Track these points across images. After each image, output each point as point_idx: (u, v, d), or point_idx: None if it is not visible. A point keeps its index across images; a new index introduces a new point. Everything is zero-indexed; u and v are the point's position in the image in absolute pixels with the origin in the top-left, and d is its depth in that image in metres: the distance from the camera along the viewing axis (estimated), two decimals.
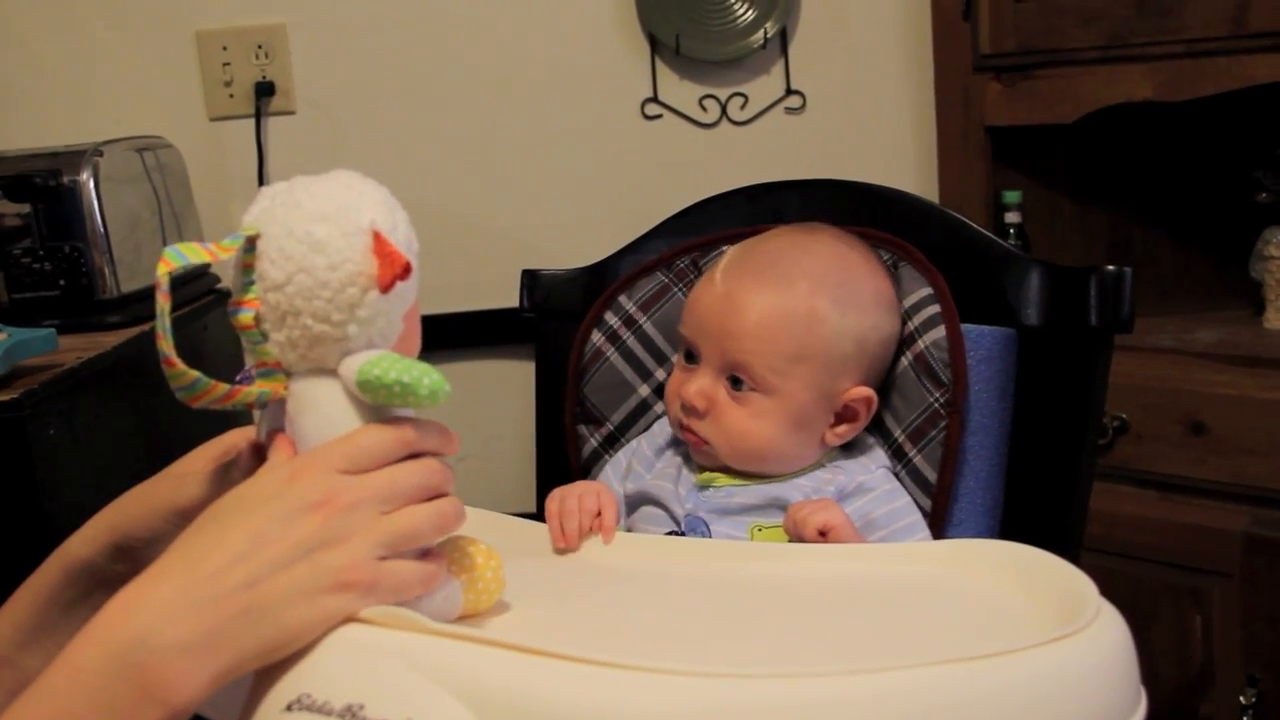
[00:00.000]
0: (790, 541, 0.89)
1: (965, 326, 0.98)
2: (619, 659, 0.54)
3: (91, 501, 0.73)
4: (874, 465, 0.96)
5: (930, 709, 0.54)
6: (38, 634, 0.70)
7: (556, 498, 0.89)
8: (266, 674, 0.57)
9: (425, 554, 0.62)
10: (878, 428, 0.99)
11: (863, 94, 1.79)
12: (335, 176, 0.63)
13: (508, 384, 1.80)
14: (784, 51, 1.77)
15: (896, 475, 0.97)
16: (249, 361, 0.65)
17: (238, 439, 0.70)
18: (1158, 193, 1.74)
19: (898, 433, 0.98)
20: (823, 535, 0.86)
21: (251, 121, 1.75)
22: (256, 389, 0.64)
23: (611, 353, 1.09)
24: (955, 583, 0.72)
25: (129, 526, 0.70)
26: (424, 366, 0.60)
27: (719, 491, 0.94)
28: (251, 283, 0.62)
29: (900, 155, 1.80)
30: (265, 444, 0.65)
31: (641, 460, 1.00)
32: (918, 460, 0.97)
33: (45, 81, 1.74)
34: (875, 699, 0.53)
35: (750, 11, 1.74)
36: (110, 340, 1.32)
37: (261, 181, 1.75)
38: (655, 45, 1.76)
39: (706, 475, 0.95)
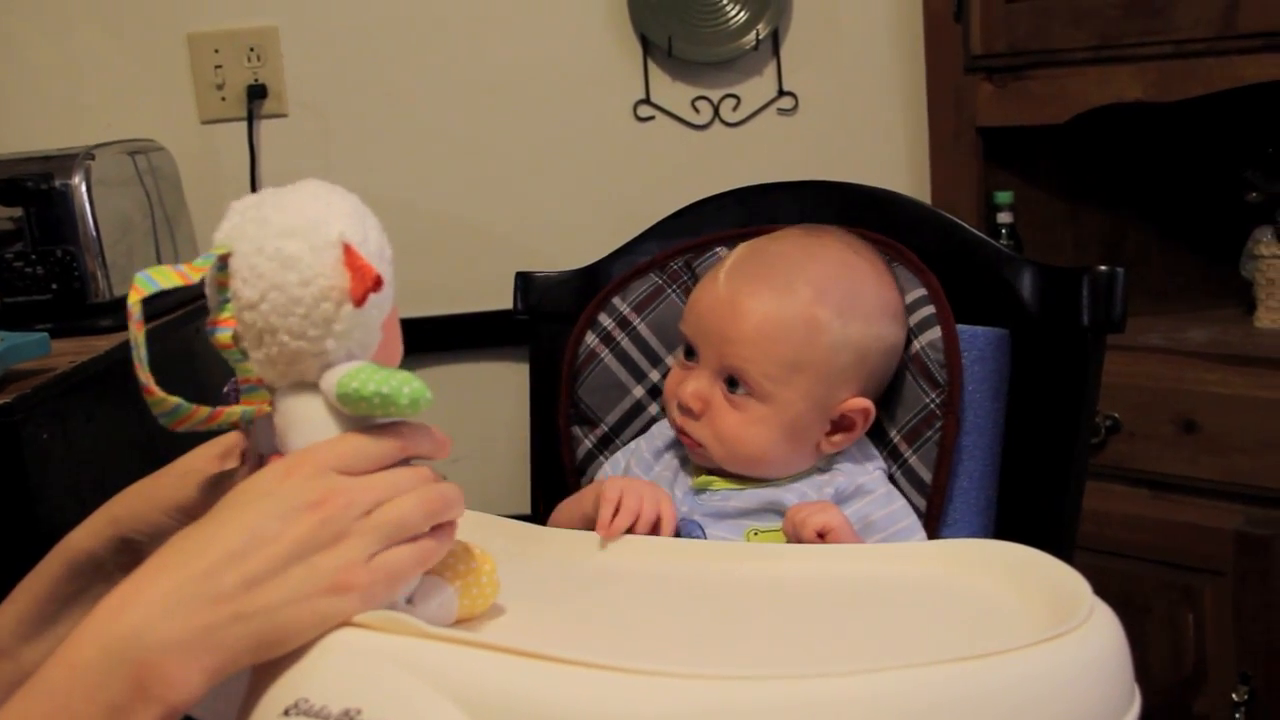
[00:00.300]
0: (789, 544, 0.89)
1: (959, 327, 0.98)
2: (616, 661, 0.54)
3: (85, 505, 0.73)
4: (871, 467, 0.96)
5: (926, 709, 0.54)
6: (39, 627, 0.71)
7: (618, 488, 0.87)
8: (263, 678, 0.57)
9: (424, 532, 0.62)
10: (873, 428, 0.99)
11: (855, 95, 1.80)
12: (303, 188, 0.62)
13: (502, 386, 1.80)
14: (776, 53, 1.78)
15: (891, 476, 0.97)
16: (234, 375, 0.65)
17: (237, 438, 0.70)
18: (1149, 193, 1.75)
19: (893, 433, 0.98)
20: (821, 537, 0.86)
21: (244, 124, 1.74)
22: (240, 409, 0.64)
23: (606, 354, 1.09)
24: (950, 582, 0.72)
25: (131, 521, 0.70)
26: (403, 375, 0.60)
27: (715, 495, 0.94)
28: (226, 301, 0.61)
29: (892, 156, 1.80)
30: (262, 461, 0.65)
31: (640, 462, 1.00)
32: (913, 460, 0.97)
33: (36, 85, 1.74)
34: (871, 699, 0.53)
35: (742, 13, 1.75)
36: (103, 344, 1.32)
37: (254, 184, 1.75)
38: (647, 47, 1.76)
39: (703, 478, 0.95)
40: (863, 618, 0.70)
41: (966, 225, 1.08)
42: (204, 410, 0.63)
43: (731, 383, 0.92)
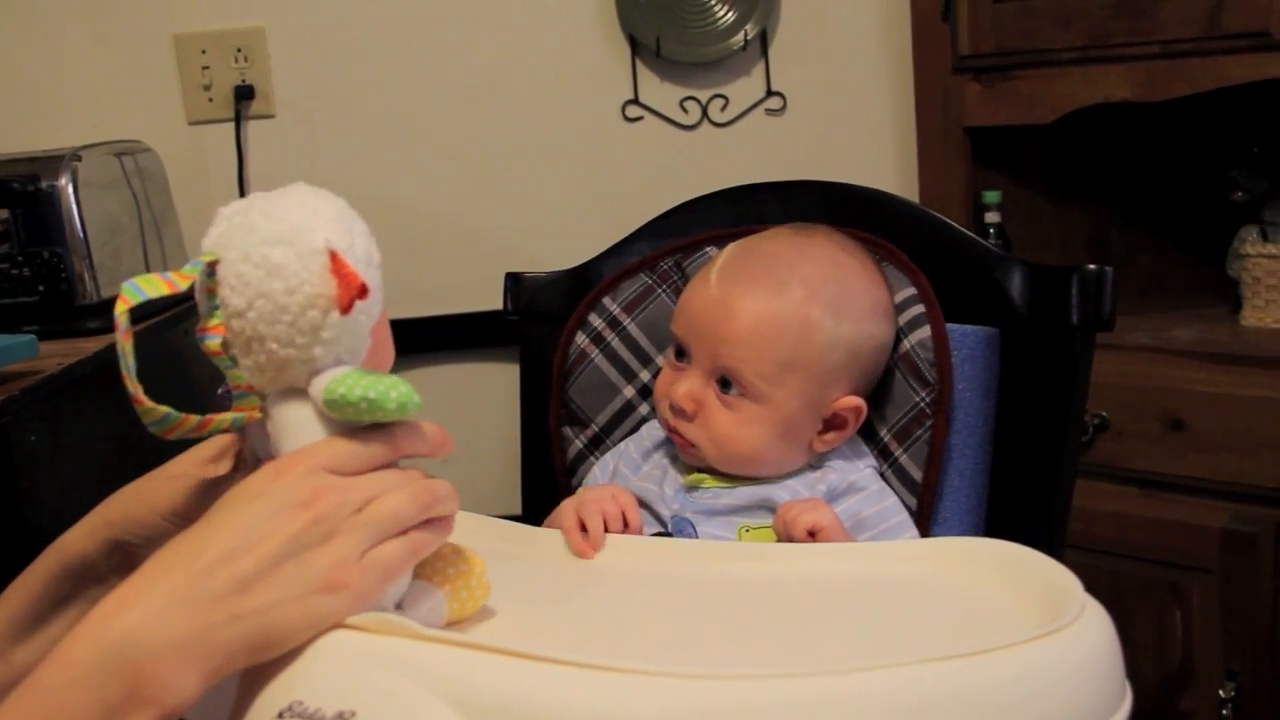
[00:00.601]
0: (779, 542, 0.89)
1: (948, 326, 0.98)
2: (608, 661, 0.54)
3: (74, 507, 0.72)
4: (863, 465, 0.96)
5: (918, 706, 0.54)
6: (31, 628, 0.70)
7: (571, 512, 0.86)
8: (256, 680, 0.57)
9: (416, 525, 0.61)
10: (864, 427, 1.00)
11: (843, 95, 1.80)
12: (290, 193, 0.62)
13: (491, 387, 1.80)
14: (764, 53, 1.78)
15: (882, 474, 0.97)
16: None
17: (231, 440, 0.70)
18: (1136, 192, 1.76)
19: (884, 432, 0.98)
20: (812, 536, 0.86)
21: (231, 125, 1.74)
22: (230, 415, 0.64)
23: (596, 355, 1.09)
24: (941, 580, 0.72)
25: (125, 523, 0.70)
26: (391, 379, 0.60)
27: (706, 493, 0.94)
28: (216, 308, 0.61)
29: (880, 156, 1.80)
30: (258, 465, 0.65)
31: (628, 463, 1.00)
32: (904, 459, 0.97)
33: (22, 86, 1.73)
34: (863, 697, 0.54)
35: (730, 13, 1.75)
36: (91, 346, 1.31)
37: (241, 185, 1.74)
38: (636, 47, 1.76)
39: (694, 476, 0.95)
40: (855, 616, 0.70)
41: (956, 224, 1.08)
42: (193, 419, 0.63)
43: (724, 383, 0.92)
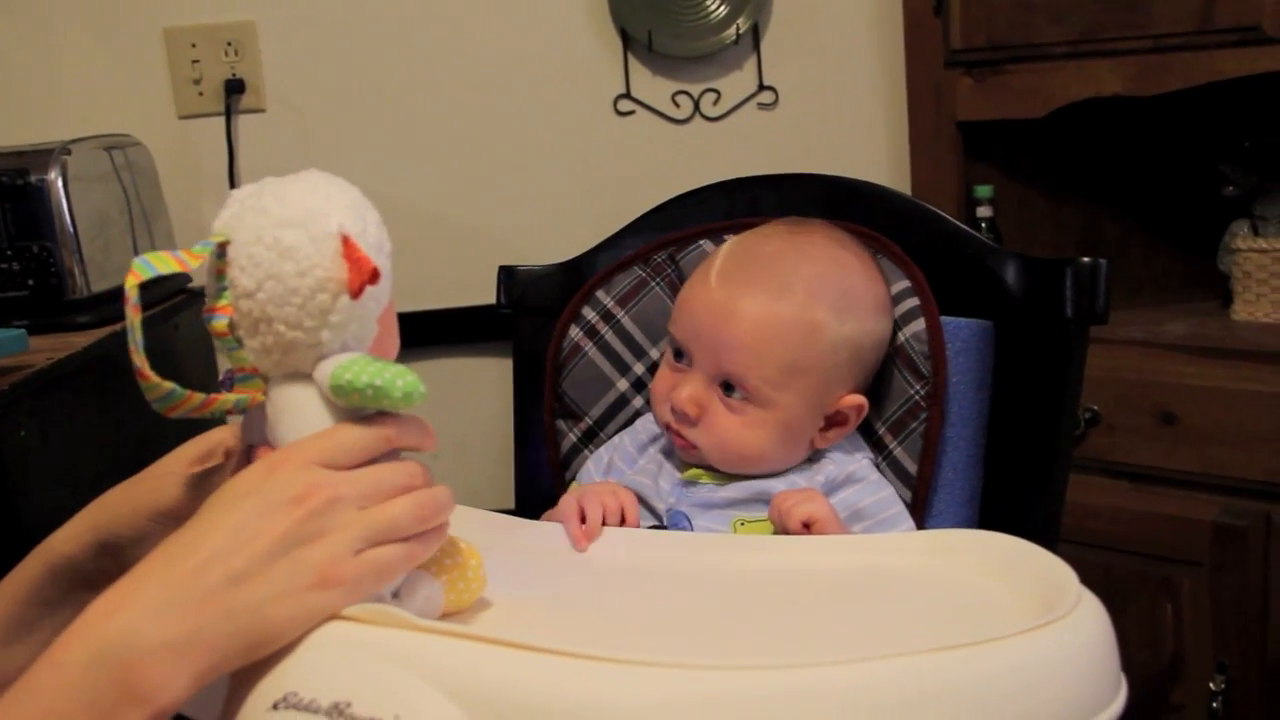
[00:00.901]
0: (775, 533, 0.89)
1: (942, 319, 0.98)
2: (604, 652, 0.54)
3: (63, 503, 0.72)
4: (860, 456, 0.96)
5: (914, 697, 0.54)
6: (18, 631, 0.70)
7: (573, 503, 0.87)
8: (250, 672, 0.57)
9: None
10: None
11: (835, 90, 1.80)
12: (304, 178, 0.62)
13: (485, 381, 1.80)
14: (756, 47, 1.78)
15: (877, 467, 0.97)
16: (229, 364, 0.65)
17: (222, 436, 0.70)
18: (1127, 187, 1.76)
19: (878, 425, 0.98)
20: (806, 528, 0.85)
21: (221, 119, 1.73)
22: (233, 396, 0.64)
23: (590, 347, 1.08)
24: (937, 572, 0.73)
25: (112, 525, 0.69)
26: (397, 368, 0.60)
27: (703, 487, 0.94)
28: (224, 289, 0.61)
29: (872, 151, 1.80)
30: (252, 454, 0.64)
31: (624, 456, 1.00)
32: (898, 452, 0.97)
33: (11, 80, 1.72)
34: (859, 689, 0.54)
35: (722, 8, 1.75)
36: (81, 340, 1.31)
37: (232, 180, 1.73)
38: (627, 41, 1.76)
39: (693, 472, 0.94)
40: (850, 608, 0.70)
41: (949, 217, 1.08)
42: (197, 397, 0.62)
43: (726, 387, 0.91)
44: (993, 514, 1.00)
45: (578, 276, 1.15)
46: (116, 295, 1.41)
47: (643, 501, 0.94)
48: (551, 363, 1.09)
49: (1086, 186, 1.76)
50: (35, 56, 1.72)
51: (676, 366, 0.94)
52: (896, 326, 0.98)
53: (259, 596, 0.56)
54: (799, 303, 0.90)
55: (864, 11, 1.78)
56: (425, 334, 1.76)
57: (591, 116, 1.78)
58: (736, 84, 1.79)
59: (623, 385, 1.08)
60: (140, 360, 0.59)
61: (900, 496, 0.95)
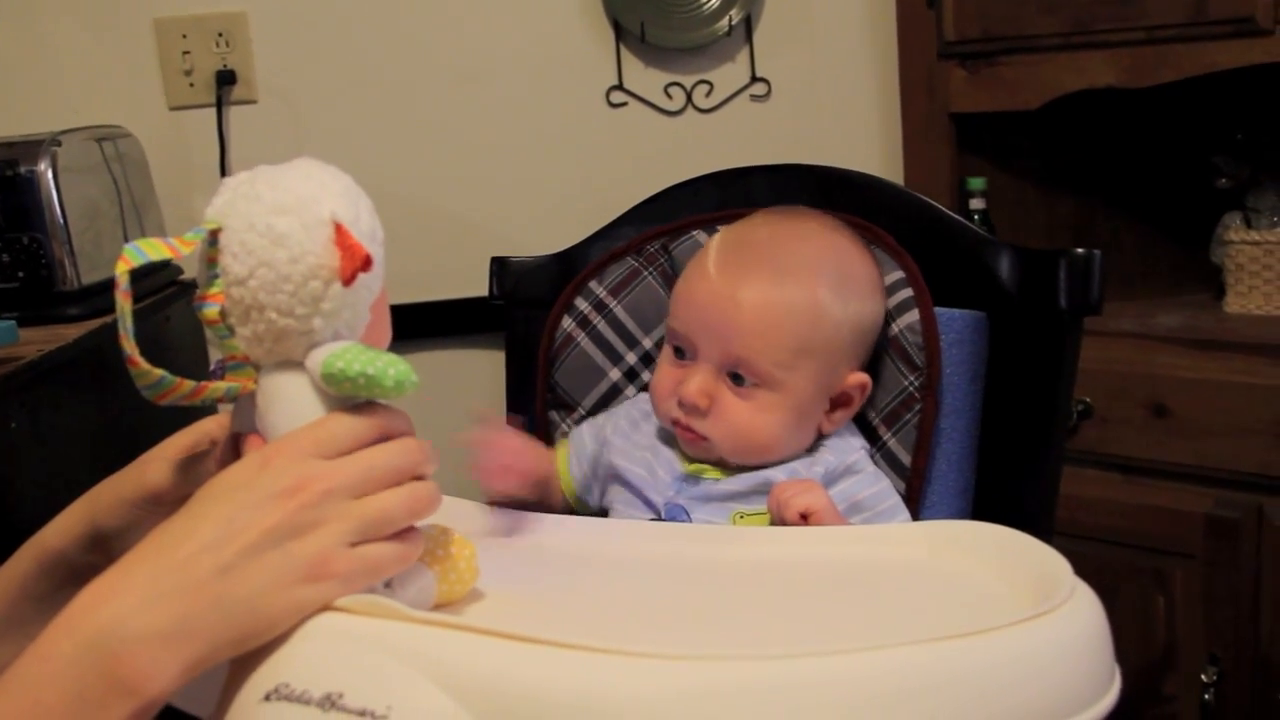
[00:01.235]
0: (773, 524, 0.88)
1: (936, 310, 0.98)
2: (599, 643, 0.54)
3: (54, 495, 0.72)
4: (857, 445, 0.96)
5: (909, 688, 0.54)
6: (9, 626, 0.70)
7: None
8: (243, 663, 0.57)
9: (400, 531, 0.61)
10: None
11: (827, 82, 1.80)
12: (296, 166, 0.62)
13: (477, 372, 1.79)
14: (749, 39, 1.77)
15: (872, 458, 0.97)
16: (220, 354, 0.65)
17: (210, 427, 0.70)
18: (1120, 179, 1.76)
19: (872, 416, 0.98)
20: (804, 519, 0.85)
21: (212, 111, 1.72)
22: (224, 384, 0.64)
23: (582, 338, 1.08)
24: (932, 563, 0.73)
25: (100, 516, 0.69)
26: (390, 357, 0.60)
27: (706, 481, 0.93)
28: (216, 276, 0.61)
29: (865, 142, 1.80)
30: (240, 442, 0.64)
31: (618, 431, 0.99)
32: (892, 443, 0.97)
33: (1, 70, 1.71)
34: (855, 679, 0.54)
35: None
36: (71, 332, 1.30)
37: (223, 171, 1.72)
38: (620, 33, 1.76)
39: (696, 466, 0.94)
40: (846, 599, 0.70)
41: (943, 208, 1.08)
42: (188, 384, 0.62)
43: (735, 376, 0.91)
44: (986, 506, 1.00)
45: (570, 267, 1.15)
46: (107, 287, 1.42)
47: (638, 494, 0.94)
48: (544, 354, 1.09)
49: (1079, 178, 1.76)
50: (25, 47, 1.71)
51: (678, 362, 0.94)
52: (890, 318, 0.98)
53: (249, 588, 0.56)
54: (801, 284, 0.91)
55: (857, 3, 1.78)
56: (417, 326, 1.75)
57: (584, 108, 1.78)
58: (729, 75, 1.78)
59: (615, 375, 1.08)
60: (130, 347, 0.59)
61: (894, 488, 0.95)
